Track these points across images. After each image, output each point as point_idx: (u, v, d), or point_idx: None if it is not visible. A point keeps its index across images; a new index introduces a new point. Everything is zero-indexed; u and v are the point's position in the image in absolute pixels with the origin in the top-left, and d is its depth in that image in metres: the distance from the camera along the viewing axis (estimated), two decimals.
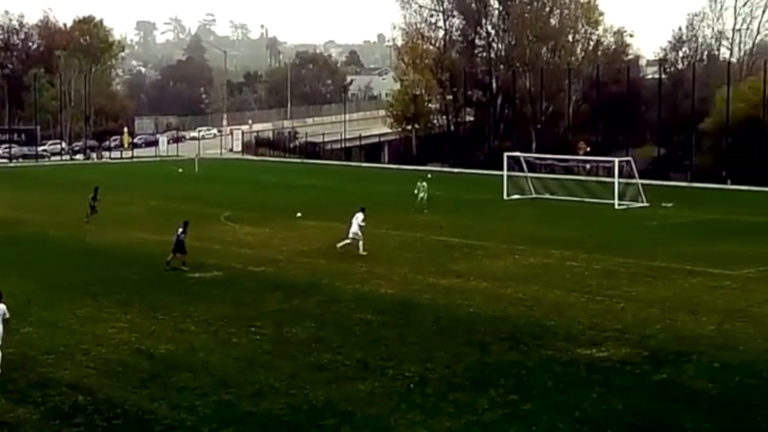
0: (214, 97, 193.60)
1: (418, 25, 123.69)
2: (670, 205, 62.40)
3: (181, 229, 38.03)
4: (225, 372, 23.29)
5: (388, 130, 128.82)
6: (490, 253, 42.07)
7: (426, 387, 21.97)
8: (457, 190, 69.73)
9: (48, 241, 46.84)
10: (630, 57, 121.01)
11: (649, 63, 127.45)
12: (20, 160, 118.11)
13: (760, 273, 37.30)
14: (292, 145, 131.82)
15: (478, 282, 35.26)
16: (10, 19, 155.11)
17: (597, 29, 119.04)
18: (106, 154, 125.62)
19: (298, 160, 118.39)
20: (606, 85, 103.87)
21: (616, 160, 66.06)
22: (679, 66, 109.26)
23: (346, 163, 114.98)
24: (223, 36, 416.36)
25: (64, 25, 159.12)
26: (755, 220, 56.15)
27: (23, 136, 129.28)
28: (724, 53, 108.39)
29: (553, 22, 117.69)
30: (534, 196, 68.04)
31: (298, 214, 54.27)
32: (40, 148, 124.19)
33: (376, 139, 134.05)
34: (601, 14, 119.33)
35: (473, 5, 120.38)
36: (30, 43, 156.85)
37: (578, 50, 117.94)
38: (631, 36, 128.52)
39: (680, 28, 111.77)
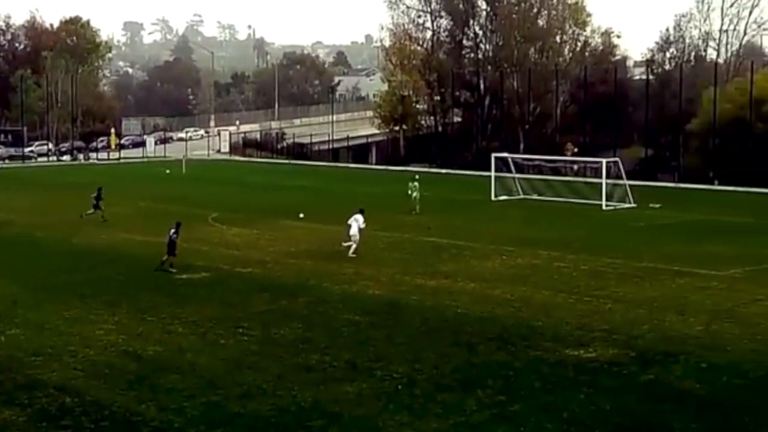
0: (202, 98, 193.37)
1: (406, 26, 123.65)
2: (657, 205, 62.51)
3: (173, 230, 37.97)
4: (213, 373, 23.27)
5: (376, 131, 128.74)
6: (478, 254, 42.10)
7: (414, 388, 21.97)
8: (445, 191, 69.74)
9: (35, 243, 46.72)
10: (617, 58, 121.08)
11: (637, 64, 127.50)
12: (7, 161, 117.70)
13: (747, 273, 37.42)
14: (279, 146, 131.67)
15: (465, 283, 35.28)
16: None
17: (584, 30, 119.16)
18: (93, 155, 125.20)
19: (286, 161, 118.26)
20: (593, 86, 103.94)
21: (604, 160, 66.13)
22: (667, 67, 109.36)
23: (333, 164, 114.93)
24: (210, 37, 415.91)
25: (51, 25, 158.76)
26: (742, 221, 56.30)
27: (10, 137, 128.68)
28: (711, 54, 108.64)
29: (540, 22, 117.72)
30: (522, 196, 68.09)
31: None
32: (26, 149, 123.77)
33: (364, 140, 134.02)
34: (589, 15, 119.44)
35: (461, 6, 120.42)
36: (16, 44, 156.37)
37: (566, 51, 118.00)
38: (619, 37, 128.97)
39: (667, 29, 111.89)
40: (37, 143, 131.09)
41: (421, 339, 26.67)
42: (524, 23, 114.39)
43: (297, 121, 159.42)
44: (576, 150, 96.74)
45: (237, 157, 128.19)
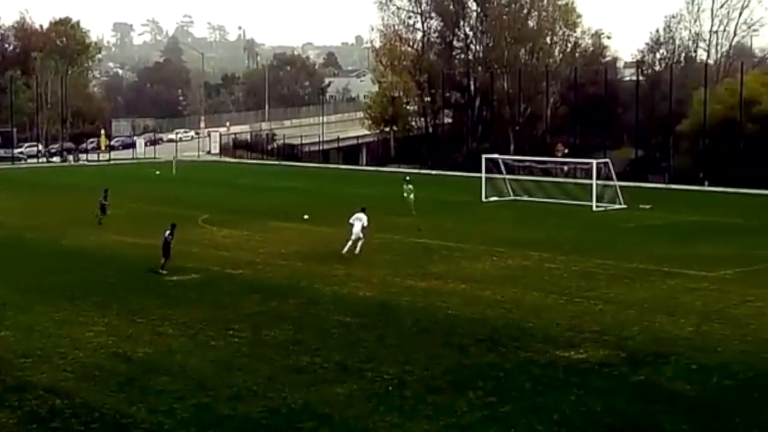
0: (192, 99, 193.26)
1: (396, 27, 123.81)
2: (647, 206, 62.56)
3: (168, 232, 37.88)
4: (203, 375, 23.21)
5: (367, 132, 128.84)
6: (468, 255, 42.09)
7: (404, 389, 21.94)
8: (436, 192, 69.72)
9: (24, 244, 46.59)
10: (607, 59, 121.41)
11: (627, 65, 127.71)
12: None
13: (737, 274, 37.46)
14: (269, 147, 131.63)
15: (456, 284, 35.26)
16: None
17: (575, 31, 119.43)
18: (82, 156, 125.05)
19: (276, 163, 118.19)
20: (584, 87, 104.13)
21: (594, 161, 66.17)
22: (657, 68, 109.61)
23: (324, 165, 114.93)
24: (200, 38, 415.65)
25: (41, 26, 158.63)
26: (732, 222, 56.39)
27: None
28: (701, 55, 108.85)
29: (531, 24, 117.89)
30: (512, 197, 68.11)
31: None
32: (16, 151, 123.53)
33: (354, 141, 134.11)
34: (579, 16, 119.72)
35: (451, 7, 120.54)
36: (6, 45, 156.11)
37: (556, 52, 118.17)
38: (609, 38, 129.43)
39: (657, 30, 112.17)
40: (26, 144, 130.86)
41: (412, 340, 26.64)
42: (514, 24, 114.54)
43: (287, 123, 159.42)
44: (566, 151, 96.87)
45: (227, 159, 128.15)
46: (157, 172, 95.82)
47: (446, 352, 25.25)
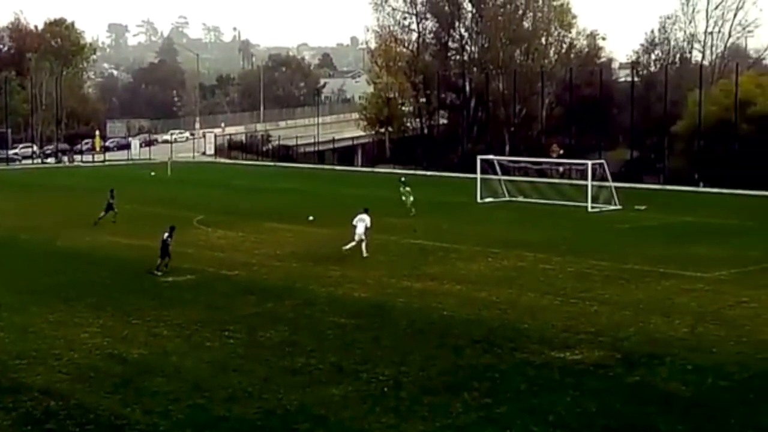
0: (187, 100, 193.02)
1: (392, 28, 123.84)
2: (642, 207, 62.59)
3: (167, 234, 37.82)
4: (198, 376, 23.19)
5: (362, 133, 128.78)
6: (463, 256, 42.09)
7: (400, 390, 21.94)
8: (431, 193, 69.69)
9: (19, 245, 46.54)
10: (603, 60, 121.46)
11: (622, 66, 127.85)
12: None
13: (732, 275, 37.50)
14: (265, 149, 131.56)
15: (452, 285, 35.26)
16: None
17: (570, 32, 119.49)
18: (77, 157, 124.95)
19: (271, 164, 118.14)
20: (579, 88, 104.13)
21: (589, 162, 66.21)
22: (652, 69, 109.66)
23: (319, 166, 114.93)
24: (195, 38, 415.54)
25: (35, 27, 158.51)
26: (727, 223, 56.43)
27: None
28: (696, 56, 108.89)
29: (526, 24, 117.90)
30: (507, 198, 68.13)
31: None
32: (11, 152, 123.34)
33: (350, 142, 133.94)
34: (574, 17, 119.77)
35: (446, 8, 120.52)
36: (0, 46, 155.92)
37: (551, 53, 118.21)
38: (604, 39, 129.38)
39: (652, 31, 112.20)
40: (21, 145, 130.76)
41: (408, 341, 26.64)
42: (510, 25, 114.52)
43: (282, 123, 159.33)
44: (561, 152, 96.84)
45: (222, 160, 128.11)
46: (152, 173, 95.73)
47: (442, 353, 25.25)
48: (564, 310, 30.87)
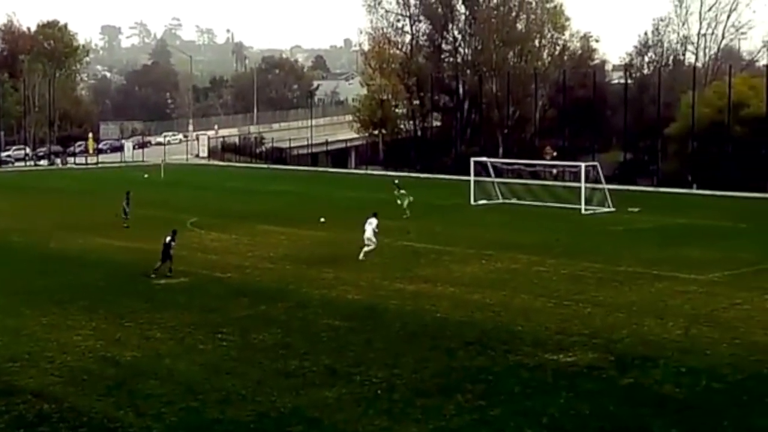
0: (180, 102, 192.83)
1: (385, 30, 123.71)
2: (636, 210, 62.64)
3: (169, 238, 37.72)
4: (191, 379, 23.16)
5: (355, 135, 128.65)
6: (457, 259, 42.08)
7: (393, 393, 21.92)
8: (425, 196, 69.61)
9: (11, 248, 46.46)
10: (596, 62, 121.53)
11: (615, 68, 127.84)
12: None
13: (726, 277, 37.53)
14: (258, 151, 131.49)
15: (445, 287, 35.25)
16: None
17: (563, 34, 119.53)
18: (70, 159, 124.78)
19: (265, 166, 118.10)
20: (572, 90, 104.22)
21: (583, 164, 66.17)
22: (645, 71, 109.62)
23: (312, 169, 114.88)
24: (188, 41, 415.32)
25: (28, 29, 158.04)
26: (721, 225, 56.44)
27: None
28: (690, 58, 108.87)
29: (519, 26, 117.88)
30: (501, 201, 68.15)
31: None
32: (3, 154, 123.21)
33: (343, 145, 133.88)
34: (568, 19, 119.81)
35: (440, 10, 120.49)
36: None
37: (545, 55, 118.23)
38: (597, 41, 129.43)
39: (646, 33, 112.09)
40: (14, 148, 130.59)
41: (401, 344, 26.62)
42: (503, 27, 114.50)
43: (276, 126, 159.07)
44: (555, 154, 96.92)
45: (215, 162, 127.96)
46: (146, 176, 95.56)
47: (435, 356, 25.24)
48: (557, 312, 30.88)
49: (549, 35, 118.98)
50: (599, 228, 54.31)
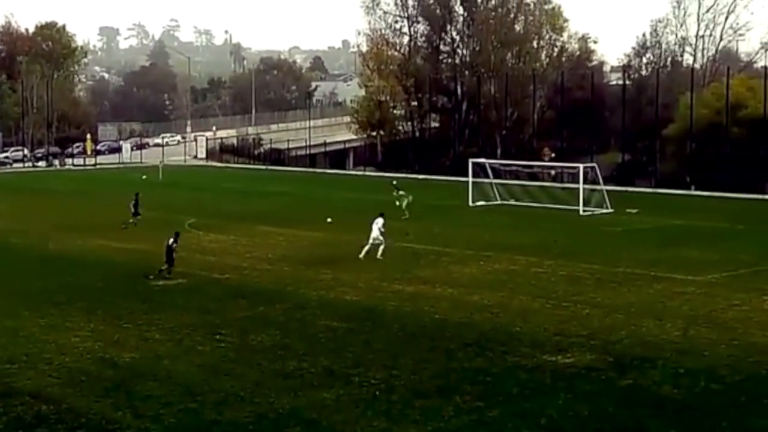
0: (178, 104, 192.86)
1: (383, 31, 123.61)
2: (634, 211, 62.62)
3: (171, 240, 37.68)
4: (190, 380, 23.15)
5: (353, 137, 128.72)
6: (455, 260, 42.08)
7: (392, 394, 21.91)
8: (423, 197, 69.56)
9: (10, 249, 46.43)
10: (594, 63, 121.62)
11: (613, 69, 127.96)
12: None
13: (724, 278, 37.54)
14: (256, 152, 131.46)
15: (443, 288, 35.25)
16: None
17: (561, 35, 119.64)
18: (68, 161, 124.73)
19: (263, 167, 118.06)
20: (570, 91, 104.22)
21: (581, 166, 66.15)
22: (643, 72, 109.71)
23: (311, 170, 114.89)
24: (186, 42, 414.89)
25: (26, 30, 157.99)
26: (719, 226, 56.44)
27: None
28: (688, 59, 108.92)
29: (517, 28, 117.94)
30: (499, 202, 68.16)
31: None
32: (1, 155, 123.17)
33: (341, 146, 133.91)
34: (566, 21, 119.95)
35: (438, 11, 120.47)
36: None
37: (543, 56, 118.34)
38: (596, 42, 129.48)
39: (644, 35, 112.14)
40: (12, 149, 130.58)
41: (399, 345, 26.61)
42: (501, 28, 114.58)
43: (274, 127, 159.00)
44: (553, 155, 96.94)
45: (214, 163, 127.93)
46: (144, 177, 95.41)
47: (433, 357, 25.23)
48: (556, 313, 30.88)
49: (547, 36, 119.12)
50: (597, 229, 54.31)
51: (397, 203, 58.70)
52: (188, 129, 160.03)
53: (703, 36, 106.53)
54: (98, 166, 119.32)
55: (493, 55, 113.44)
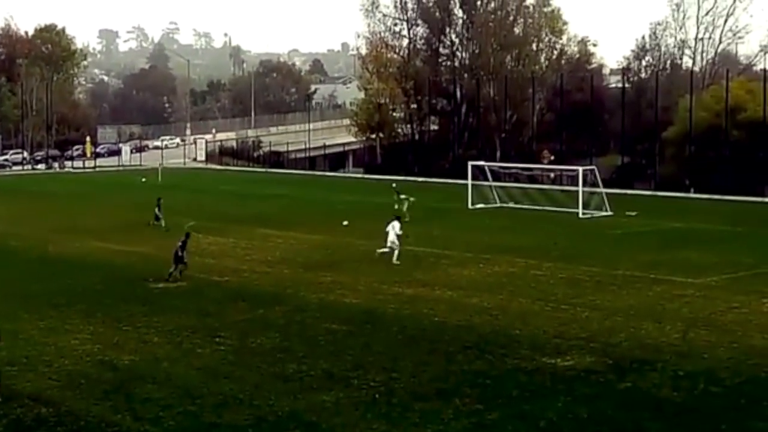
0: (178, 106, 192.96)
1: (382, 34, 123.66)
2: (633, 213, 62.59)
3: (180, 242, 37.62)
4: (189, 383, 23.14)
5: (353, 139, 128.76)
6: (455, 262, 42.07)
7: (391, 397, 21.89)
8: (422, 199, 69.51)
9: (9, 251, 46.41)
10: (593, 66, 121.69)
11: (613, 72, 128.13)
12: None
13: (724, 281, 37.53)
14: (256, 155, 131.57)
15: (443, 291, 35.24)
16: None
17: (561, 38, 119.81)
18: (68, 163, 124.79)
19: (262, 170, 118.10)
20: (570, 94, 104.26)
21: (580, 168, 66.20)
22: (643, 75, 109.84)
23: (310, 172, 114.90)
24: (186, 44, 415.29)
25: (26, 33, 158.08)
26: (718, 229, 56.45)
27: None
28: (687, 62, 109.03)
29: (517, 31, 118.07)
30: (498, 205, 68.15)
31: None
32: (1, 158, 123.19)
33: (341, 148, 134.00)
34: (565, 23, 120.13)
35: (437, 14, 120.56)
36: None
37: (542, 59, 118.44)
38: (595, 45, 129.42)
39: (643, 37, 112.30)
40: (11, 152, 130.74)
41: (399, 348, 26.60)
42: (500, 31, 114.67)
43: (273, 129, 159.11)
44: (552, 158, 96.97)
45: (213, 166, 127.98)
46: (143, 179, 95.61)
47: (433, 360, 25.22)
48: (555, 316, 30.87)
49: (546, 39, 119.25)
50: (597, 232, 54.30)
51: (396, 207, 58.67)
52: (188, 132, 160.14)
53: (702, 39, 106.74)
54: (97, 169, 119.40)
55: (493, 57, 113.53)
